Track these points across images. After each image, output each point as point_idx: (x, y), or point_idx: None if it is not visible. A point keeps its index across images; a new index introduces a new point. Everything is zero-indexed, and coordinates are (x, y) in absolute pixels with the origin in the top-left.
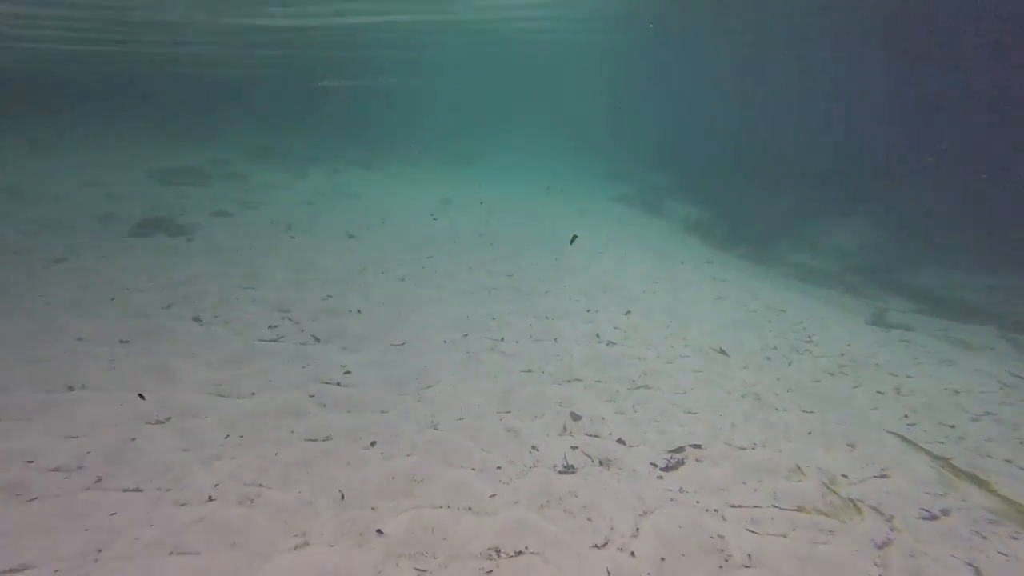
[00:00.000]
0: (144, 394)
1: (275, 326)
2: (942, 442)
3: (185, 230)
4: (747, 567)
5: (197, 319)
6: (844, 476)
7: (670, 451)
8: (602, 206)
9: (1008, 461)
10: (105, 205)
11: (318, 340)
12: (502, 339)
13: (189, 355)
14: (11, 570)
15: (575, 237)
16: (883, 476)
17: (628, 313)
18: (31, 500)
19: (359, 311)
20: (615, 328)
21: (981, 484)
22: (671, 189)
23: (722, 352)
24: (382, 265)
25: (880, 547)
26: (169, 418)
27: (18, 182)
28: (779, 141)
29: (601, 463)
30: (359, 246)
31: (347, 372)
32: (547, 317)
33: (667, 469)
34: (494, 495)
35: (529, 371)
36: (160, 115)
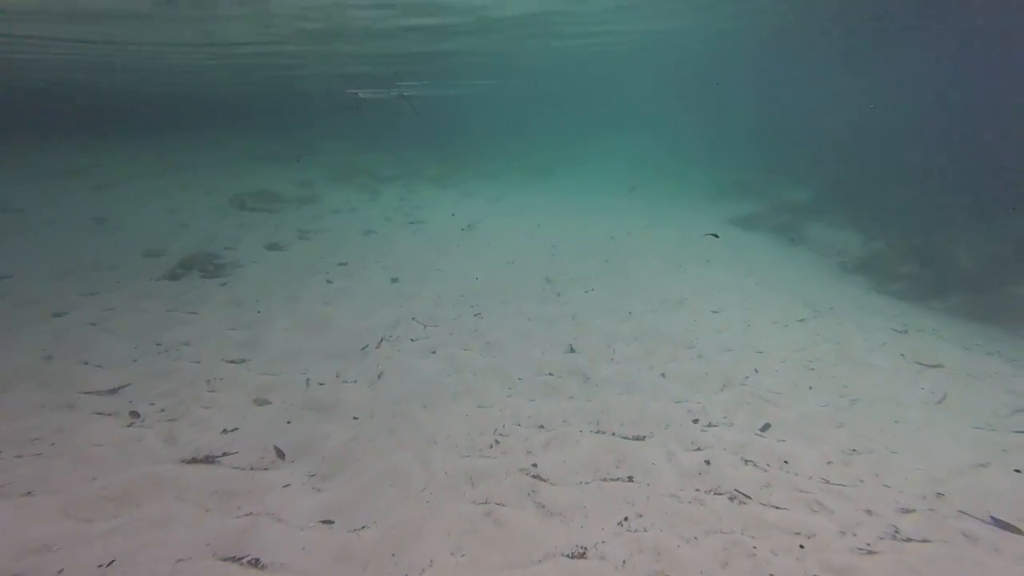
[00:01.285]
0: None
1: (230, 430)
2: None
3: (224, 270)
4: None
5: (134, 414)
6: None
7: None
8: (715, 234)
9: None
10: (165, 239)
11: (281, 456)
12: (543, 478)
13: (63, 486)
14: None
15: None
16: None
17: (766, 428)
18: None
19: (355, 417)
20: (744, 461)
21: None
22: (814, 207)
23: (1006, 526)
24: (414, 325)
25: None
26: None
27: (110, 211)
28: (960, 137)
29: None
30: (398, 295)
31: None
32: (623, 431)
33: None
34: None
35: (582, 555)
36: (262, 134)
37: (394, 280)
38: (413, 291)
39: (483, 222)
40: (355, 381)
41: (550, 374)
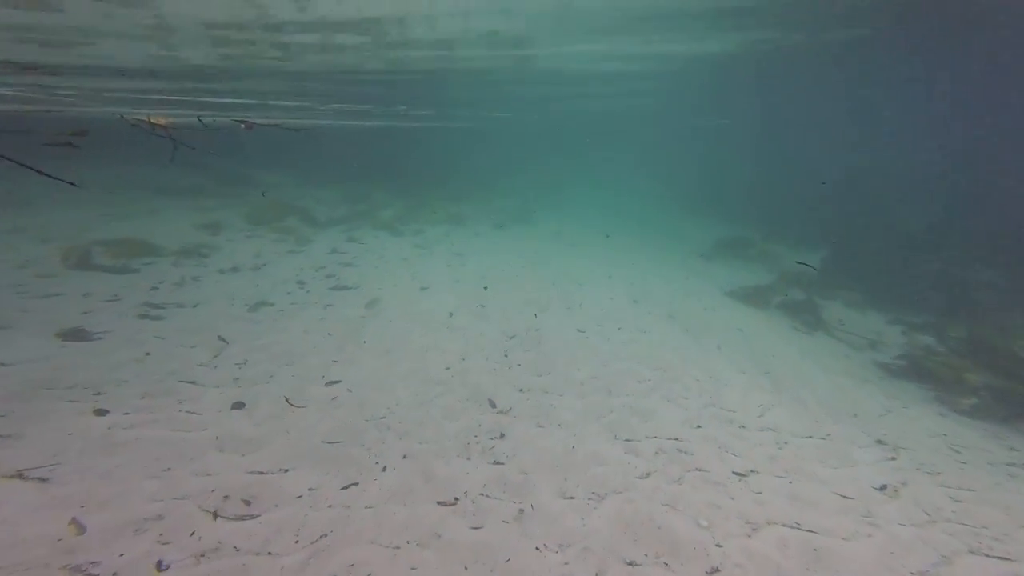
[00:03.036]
0: None
1: None
2: None
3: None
4: None
5: None
6: None
7: None
8: (713, 315)
9: None
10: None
11: None
12: None
13: None
14: None
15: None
16: None
17: None
18: None
19: None
20: None
21: None
22: (826, 279)
23: None
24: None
25: None
26: None
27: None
28: (980, 194)
29: None
30: (230, 444)
31: None
32: None
33: None
34: None
35: None
36: (181, 160)
37: (238, 406)
38: (260, 436)
39: (431, 291)
40: None
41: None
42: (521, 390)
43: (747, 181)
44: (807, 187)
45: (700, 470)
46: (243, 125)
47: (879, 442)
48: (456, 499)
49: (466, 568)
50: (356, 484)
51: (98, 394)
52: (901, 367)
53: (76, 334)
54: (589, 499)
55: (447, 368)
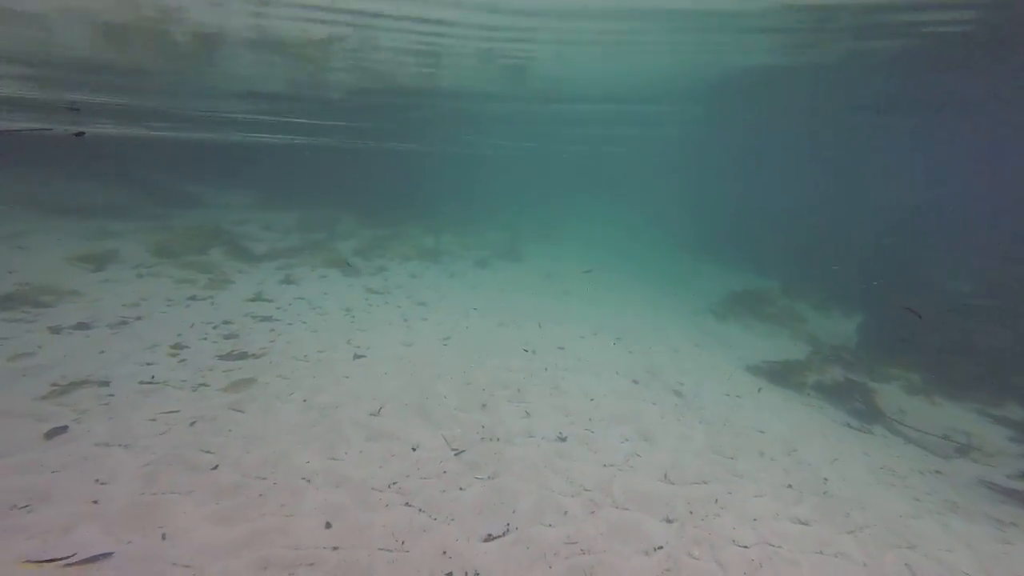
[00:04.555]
0: None
1: None
2: None
3: None
4: None
5: None
6: None
7: None
8: (739, 405)
9: None
10: None
11: None
12: None
13: None
14: None
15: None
16: None
17: None
18: None
19: None
20: None
21: None
22: (872, 352)
23: None
24: None
25: None
26: None
27: None
28: None
29: None
30: None
31: None
32: None
33: None
34: None
35: None
36: (107, 175)
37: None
38: None
39: (364, 364)
40: None
41: None
42: None
43: (761, 223)
44: (832, 233)
45: None
46: (76, 134)
47: None
48: None
49: None
50: None
51: None
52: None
53: None
54: None
55: (328, 526)
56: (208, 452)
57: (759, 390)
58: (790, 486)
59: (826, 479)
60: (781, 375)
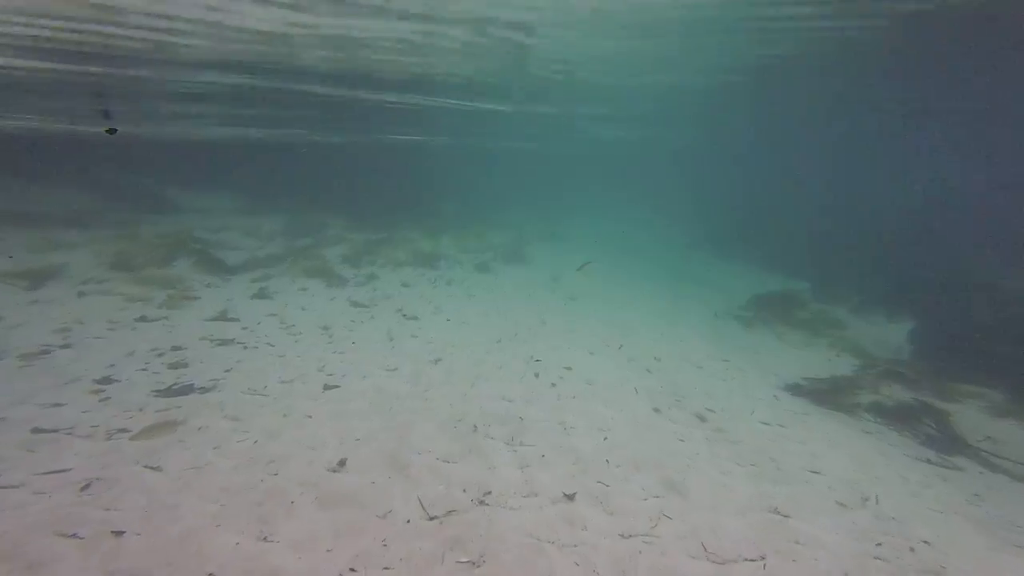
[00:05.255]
0: None
1: None
2: None
3: None
4: None
5: None
6: None
7: None
8: (784, 437)
9: None
10: None
11: None
12: None
13: None
14: None
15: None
16: None
17: None
18: None
19: None
20: None
21: None
22: (936, 365)
23: None
24: None
25: None
26: None
27: None
28: None
29: None
30: None
31: None
32: None
33: None
34: None
35: None
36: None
37: None
38: None
39: (336, 396)
40: None
41: None
42: None
43: (784, 218)
44: (868, 226)
45: None
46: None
47: None
48: None
49: None
50: None
51: None
52: None
53: None
54: None
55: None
56: (78, 536)
57: (806, 415)
58: (878, 557)
59: (926, 542)
60: (828, 395)
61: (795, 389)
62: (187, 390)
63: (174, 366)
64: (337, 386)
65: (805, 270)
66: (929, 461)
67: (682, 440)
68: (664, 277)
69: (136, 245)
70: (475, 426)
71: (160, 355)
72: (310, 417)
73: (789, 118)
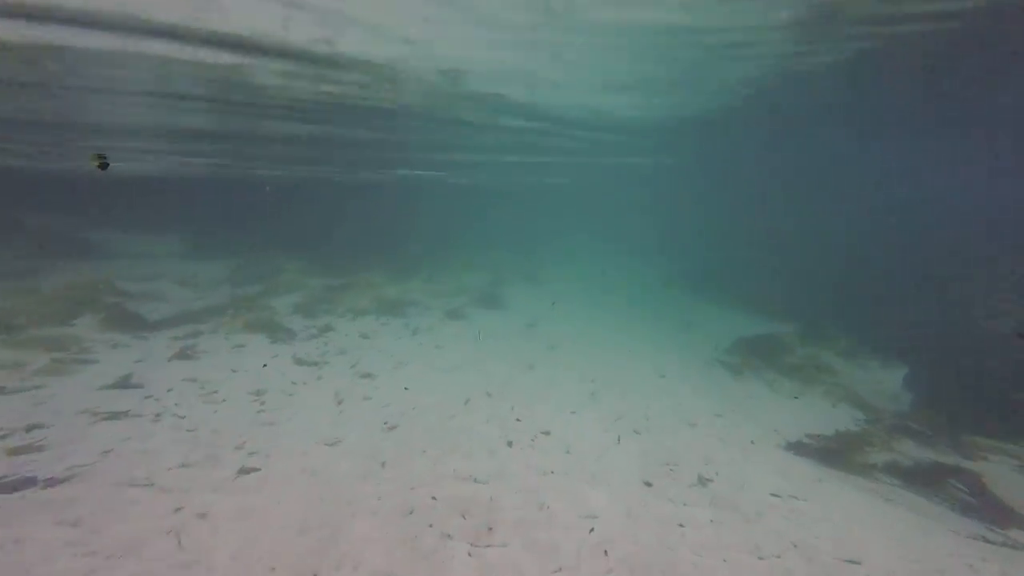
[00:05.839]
0: None
1: None
2: None
3: None
4: None
5: None
6: None
7: None
8: (800, 511)
9: None
10: None
11: None
12: None
13: None
14: None
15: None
16: None
17: None
18: None
19: None
20: None
21: None
22: (948, 417)
23: None
24: None
25: None
26: None
27: None
28: None
29: None
30: None
31: None
32: None
33: None
34: None
35: None
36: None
37: None
38: None
39: (255, 488)
40: None
41: None
42: None
43: (763, 257)
44: (852, 263)
45: None
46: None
47: None
48: None
49: None
50: None
51: None
52: None
53: None
54: None
55: None
56: None
57: (819, 481)
58: None
59: None
60: (837, 455)
61: (799, 448)
62: (24, 484)
63: (18, 451)
64: (256, 469)
65: (787, 310)
66: (985, 539)
67: (683, 525)
68: (644, 319)
69: (31, 300)
70: (430, 521)
71: (4, 437)
72: (204, 517)
73: (758, 149)
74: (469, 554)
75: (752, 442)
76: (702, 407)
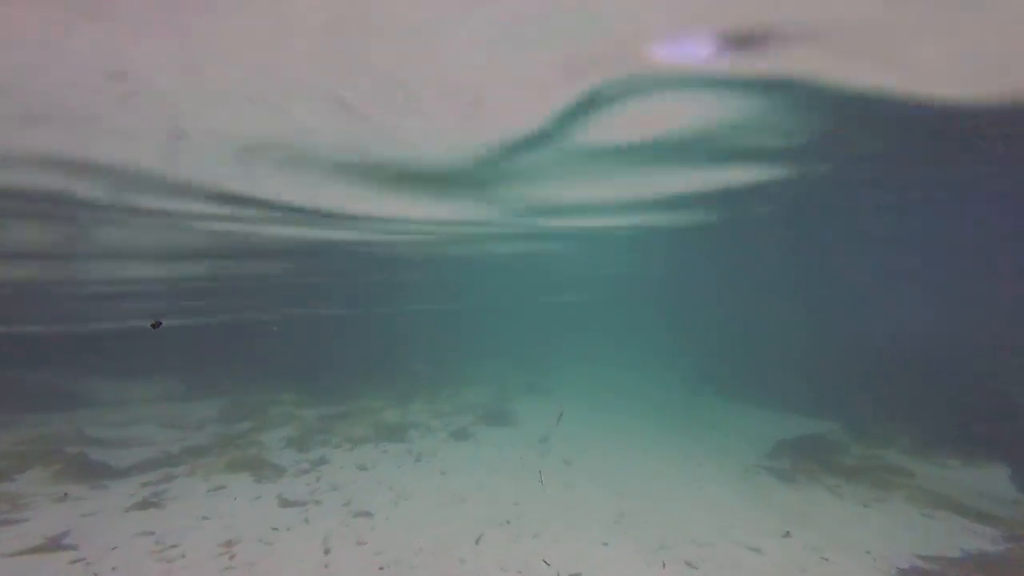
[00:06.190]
0: None
1: None
2: None
3: None
4: None
5: None
6: None
7: None
8: None
9: None
10: None
11: None
12: None
13: None
14: None
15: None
16: None
17: None
18: None
19: None
20: None
21: None
22: None
23: None
24: None
25: None
26: None
27: None
28: None
29: None
30: None
31: None
32: None
33: None
34: None
35: None
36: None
37: None
38: None
39: None
40: None
41: None
42: None
43: (795, 349)
44: (896, 352)
45: None
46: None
47: None
48: None
49: None
50: None
51: None
52: None
53: None
54: None
55: None
56: None
57: None
58: None
59: None
60: None
61: None
62: None
63: None
64: None
65: (821, 407)
66: None
67: None
68: (666, 424)
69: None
70: None
71: None
72: None
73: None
74: None
75: (844, 572)
76: (761, 524)
